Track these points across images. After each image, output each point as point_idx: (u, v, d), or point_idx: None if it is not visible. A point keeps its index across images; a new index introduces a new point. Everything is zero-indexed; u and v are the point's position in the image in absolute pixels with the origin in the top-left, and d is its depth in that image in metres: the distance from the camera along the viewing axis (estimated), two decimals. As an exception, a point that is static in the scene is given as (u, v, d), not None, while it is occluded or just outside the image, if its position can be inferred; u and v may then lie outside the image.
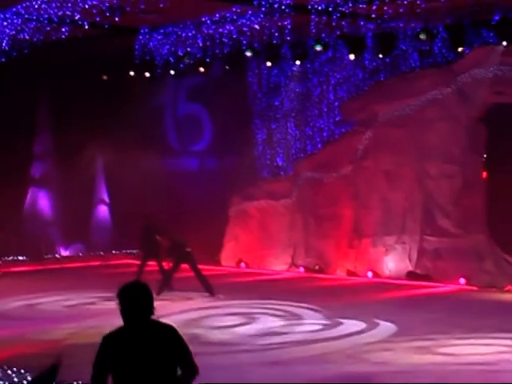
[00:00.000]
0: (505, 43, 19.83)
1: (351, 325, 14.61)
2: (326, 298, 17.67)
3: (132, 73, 25.85)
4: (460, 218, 20.71)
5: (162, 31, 23.31)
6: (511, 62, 19.76)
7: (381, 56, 22.88)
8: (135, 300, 5.57)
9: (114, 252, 26.60)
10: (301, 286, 20.34)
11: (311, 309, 16.28)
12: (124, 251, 26.50)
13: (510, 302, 17.63)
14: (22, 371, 9.84)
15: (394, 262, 21.46)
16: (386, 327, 14.28)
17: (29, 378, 9.39)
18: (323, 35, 21.69)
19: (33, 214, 26.88)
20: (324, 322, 15.04)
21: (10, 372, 9.82)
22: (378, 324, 14.50)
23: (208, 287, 18.23)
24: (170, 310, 16.11)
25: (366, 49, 22.86)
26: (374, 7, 19.43)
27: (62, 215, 26.73)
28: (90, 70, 25.33)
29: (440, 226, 20.88)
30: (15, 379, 9.49)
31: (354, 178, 22.25)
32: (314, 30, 20.71)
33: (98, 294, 17.97)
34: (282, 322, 15.07)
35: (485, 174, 21.11)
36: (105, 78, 26.59)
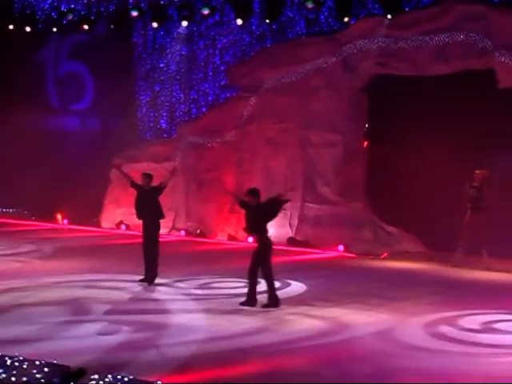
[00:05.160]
0: (389, 16, 20.16)
1: (229, 287, 14.80)
2: (203, 262, 17.70)
3: (11, 26, 25.01)
4: (340, 187, 21.07)
5: (43, -15, 22.66)
6: (395, 35, 20.10)
7: (268, 22, 22.91)
8: None
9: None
10: (180, 249, 20.25)
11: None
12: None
13: (385, 268, 18.10)
14: None
15: (274, 228, 21.48)
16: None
17: None
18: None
19: None
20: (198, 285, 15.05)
21: None
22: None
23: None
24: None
25: (253, 14, 22.85)
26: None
27: None
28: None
29: (320, 193, 21.22)
30: None
31: (237, 144, 22.30)
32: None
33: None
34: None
35: (366, 144, 21.53)
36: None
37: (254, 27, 23.62)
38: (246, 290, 13.44)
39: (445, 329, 11.94)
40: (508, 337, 11.53)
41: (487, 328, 12.04)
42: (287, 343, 10.88)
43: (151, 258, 15.09)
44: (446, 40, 19.48)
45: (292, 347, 10.71)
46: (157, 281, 15.08)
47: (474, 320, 12.49)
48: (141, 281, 14.94)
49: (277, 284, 14.28)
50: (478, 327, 12.08)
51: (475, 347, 10.90)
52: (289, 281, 15.46)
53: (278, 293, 13.60)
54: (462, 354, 10.54)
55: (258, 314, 12.68)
